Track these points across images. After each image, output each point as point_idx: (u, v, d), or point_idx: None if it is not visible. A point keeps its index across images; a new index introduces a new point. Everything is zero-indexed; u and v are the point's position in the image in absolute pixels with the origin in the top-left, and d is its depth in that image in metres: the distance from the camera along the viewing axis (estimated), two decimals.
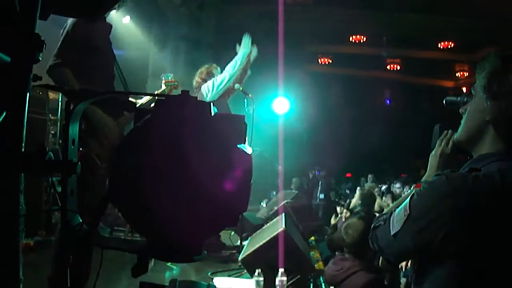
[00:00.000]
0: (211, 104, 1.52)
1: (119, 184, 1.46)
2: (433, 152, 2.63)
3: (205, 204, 1.41)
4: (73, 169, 1.59)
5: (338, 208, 10.14)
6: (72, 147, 1.62)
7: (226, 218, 1.54)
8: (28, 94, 1.64)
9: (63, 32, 4.42)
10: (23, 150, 1.63)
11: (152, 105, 5.60)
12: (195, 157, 1.38)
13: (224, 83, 7.18)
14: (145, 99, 5.82)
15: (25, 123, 1.63)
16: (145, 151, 1.41)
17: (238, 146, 1.49)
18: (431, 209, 1.99)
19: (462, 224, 1.94)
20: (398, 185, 12.57)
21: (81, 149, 3.96)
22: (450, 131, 2.56)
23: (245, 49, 7.21)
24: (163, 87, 6.20)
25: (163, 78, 6.32)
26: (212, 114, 1.49)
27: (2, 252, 1.67)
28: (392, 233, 2.13)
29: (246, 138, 1.60)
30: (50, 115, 8.50)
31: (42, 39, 1.64)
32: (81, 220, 1.71)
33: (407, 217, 2.06)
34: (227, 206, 1.47)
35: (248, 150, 1.52)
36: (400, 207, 2.16)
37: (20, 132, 1.61)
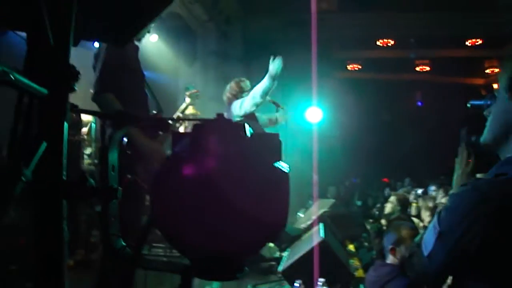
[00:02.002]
0: (246, 125, 1.55)
1: (161, 209, 1.50)
2: (455, 170, 2.61)
3: (245, 223, 1.44)
4: (114, 195, 1.63)
5: (368, 226, 10.13)
6: (112, 173, 1.65)
7: (266, 235, 1.57)
8: (66, 123, 1.68)
9: (97, 56, 4.50)
10: (64, 177, 1.67)
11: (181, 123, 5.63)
12: (233, 179, 1.41)
13: (252, 107, 7.14)
14: (179, 112, 5.88)
15: (65, 152, 1.67)
16: (185, 176, 1.44)
17: (275, 164, 1.51)
18: (462, 221, 1.97)
19: (496, 229, 1.92)
20: (433, 187, 12.47)
21: (129, 176, 4.00)
22: (465, 152, 2.55)
23: (274, 72, 7.11)
24: (187, 100, 6.24)
25: (186, 90, 6.38)
26: (248, 135, 1.52)
27: (48, 278, 1.71)
28: (425, 254, 2.11)
29: (282, 155, 1.62)
30: (84, 136, 8.60)
31: (77, 69, 1.68)
32: (124, 244, 1.75)
33: (438, 234, 2.04)
34: (266, 224, 1.49)
35: (285, 167, 1.55)
36: (429, 227, 2.14)
37: (60, 160, 1.65)
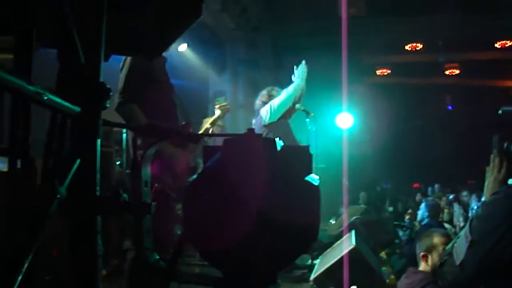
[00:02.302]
0: (276, 140, 1.56)
1: (193, 223, 1.51)
2: (486, 177, 2.59)
3: (277, 236, 1.45)
4: (147, 210, 1.65)
5: (401, 232, 10.07)
6: (145, 188, 1.68)
7: (297, 248, 1.58)
8: (98, 140, 1.70)
9: (122, 67, 4.53)
10: (97, 193, 1.70)
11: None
12: (265, 193, 1.42)
13: (280, 107, 7.20)
14: (206, 124, 5.91)
15: (98, 168, 1.69)
16: (216, 190, 1.46)
17: (305, 178, 1.52)
18: (494, 229, 1.95)
19: None
20: (465, 193, 12.37)
21: (156, 184, 4.03)
22: (497, 159, 2.52)
23: (299, 80, 7.20)
24: (217, 112, 6.28)
25: (216, 102, 6.41)
26: (278, 149, 1.53)
27: None
28: (457, 263, 2.09)
29: (312, 168, 1.63)
30: (115, 146, 8.65)
31: (108, 86, 1.70)
32: (158, 257, 1.77)
33: (470, 243, 2.02)
34: (298, 237, 1.50)
35: (315, 180, 1.55)
36: (461, 236, 2.12)
37: (94, 176, 1.68)
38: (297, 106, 7.50)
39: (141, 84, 4.47)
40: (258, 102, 7.67)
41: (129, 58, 4.47)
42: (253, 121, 7.67)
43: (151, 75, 4.57)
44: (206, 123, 6.60)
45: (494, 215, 1.99)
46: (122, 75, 4.50)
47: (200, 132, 5.50)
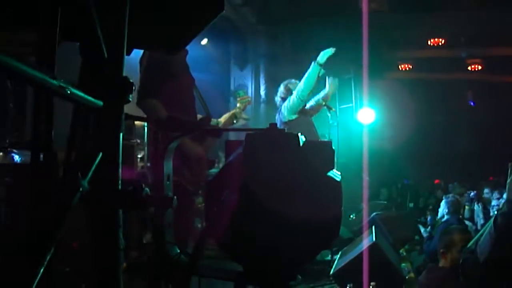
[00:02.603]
0: (299, 135, 1.55)
1: (215, 218, 1.51)
2: (509, 174, 2.55)
3: (299, 232, 1.45)
4: (169, 204, 1.65)
5: (422, 229, 10.02)
6: (168, 182, 1.68)
7: (319, 243, 1.57)
8: (121, 134, 1.70)
9: (141, 61, 4.54)
10: (119, 187, 1.70)
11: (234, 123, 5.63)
12: (287, 189, 1.42)
13: (300, 96, 7.20)
14: (225, 117, 5.90)
15: (120, 162, 1.70)
16: (238, 186, 1.46)
17: (327, 174, 1.51)
18: None
19: None
20: (486, 190, 12.25)
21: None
22: None
23: (316, 62, 7.21)
24: (238, 105, 6.26)
25: (237, 96, 6.40)
26: (300, 144, 1.52)
27: (104, 285, 1.74)
28: (481, 260, 2.06)
29: (334, 163, 1.62)
30: (137, 140, 8.68)
31: (131, 81, 1.71)
32: (179, 251, 1.77)
33: (495, 240, 1.99)
34: (320, 233, 1.50)
35: (337, 176, 1.55)
36: (485, 233, 2.10)
37: (116, 170, 1.68)
38: (320, 101, 7.51)
39: (160, 79, 4.47)
40: (277, 98, 7.69)
41: (147, 53, 4.48)
42: (276, 116, 7.70)
43: (170, 69, 4.57)
44: (227, 116, 6.58)
45: None
46: (142, 70, 4.51)
47: (221, 125, 5.48)
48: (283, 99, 7.52)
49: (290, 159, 1.49)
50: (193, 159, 4.46)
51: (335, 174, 1.56)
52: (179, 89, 4.68)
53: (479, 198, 11.55)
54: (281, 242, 1.48)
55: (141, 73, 4.50)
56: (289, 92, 7.53)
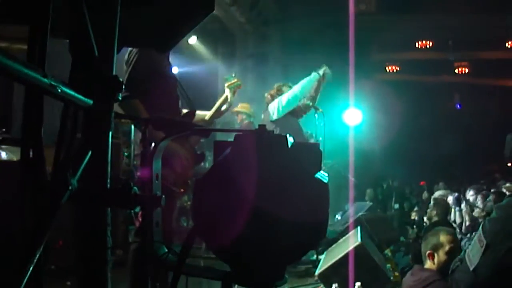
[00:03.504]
0: (287, 136, 1.56)
1: (203, 217, 1.52)
2: None
3: (286, 233, 1.46)
4: (158, 203, 1.66)
5: (409, 230, 10.07)
6: (156, 181, 1.69)
7: (306, 244, 1.58)
8: (110, 132, 1.71)
9: (127, 61, 4.52)
10: (108, 185, 1.70)
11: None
12: (275, 190, 1.43)
13: (289, 102, 7.24)
14: (211, 112, 5.86)
15: (109, 160, 1.70)
16: (226, 186, 1.47)
17: (315, 175, 1.53)
18: (511, 232, 1.91)
19: None
20: (471, 192, 12.31)
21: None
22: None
23: (315, 75, 7.28)
24: (226, 91, 6.06)
25: (226, 81, 6.13)
26: (289, 145, 1.53)
27: (92, 283, 1.74)
28: (471, 268, 2.03)
29: (321, 165, 1.64)
30: (124, 138, 8.65)
31: (121, 79, 1.71)
32: (166, 250, 1.78)
33: (485, 247, 1.96)
34: (306, 234, 1.51)
35: (325, 177, 1.56)
36: (473, 241, 2.08)
37: (105, 169, 1.69)
38: (307, 102, 7.53)
39: (146, 79, 4.46)
40: (267, 95, 7.70)
41: (134, 52, 4.46)
42: (262, 116, 7.70)
43: (156, 69, 4.56)
44: (216, 106, 6.41)
45: (509, 218, 1.95)
46: (127, 69, 4.49)
47: (211, 114, 5.42)
48: (272, 97, 7.54)
49: (278, 160, 1.50)
50: (176, 160, 4.45)
51: (322, 175, 1.58)
52: (166, 87, 4.68)
53: (463, 200, 11.61)
54: (268, 242, 1.49)
55: (127, 73, 4.48)
56: (279, 92, 7.56)
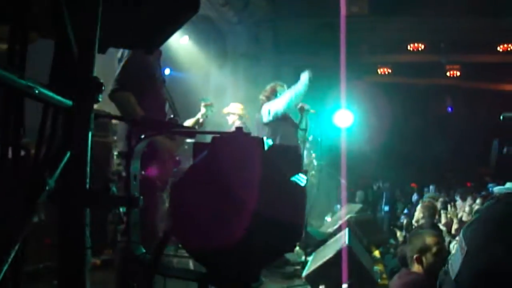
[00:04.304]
0: (264, 139, 1.57)
1: (180, 218, 1.53)
2: None
3: (261, 235, 1.47)
4: (136, 204, 1.66)
5: (398, 233, 10.08)
6: (134, 182, 1.69)
7: (281, 247, 1.59)
8: (90, 133, 1.71)
9: (121, 57, 4.52)
10: (87, 186, 1.71)
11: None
12: (250, 192, 1.44)
13: (278, 111, 7.27)
14: (192, 121, 5.96)
15: (88, 161, 1.70)
16: (203, 188, 1.48)
17: (292, 178, 1.53)
18: (489, 236, 1.87)
19: None
20: (460, 195, 12.37)
21: (142, 172, 4.04)
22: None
23: (302, 88, 7.28)
24: (203, 110, 6.39)
25: (202, 101, 6.51)
26: (265, 148, 1.54)
27: (69, 284, 1.74)
28: (453, 277, 1.98)
29: (301, 167, 1.64)
30: (114, 137, 8.62)
31: (101, 81, 1.71)
32: (144, 251, 1.78)
33: (465, 253, 1.91)
34: (281, 236, 1.52)
35: (302, 180, 1.57)
36: (456, 247, 2.04)
37: (84, 170, 1.69)
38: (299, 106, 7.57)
39: (137, 78, 4.47)
40: (261, 96, 7.71)
41: (127, 52, 4.47)
42: (256, 115, 7.72)
43: (147, 70, 4.57)
44: (193, 120, 6.65)
45: (489, 222, 1.92)
46: (120, 65, 4.49)
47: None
48: (267, 98, 7.56)
49: (254, 162, 1.51)
50: (165, 154, 4.48)
51: (299, 178, 1.58)
52: (155, 90, 4.69)
53: (452, 202, 11.65)
54: (243, 244, 1.50)
55: (120, 68, 4.48)
56: (273, 92, 7.58)
